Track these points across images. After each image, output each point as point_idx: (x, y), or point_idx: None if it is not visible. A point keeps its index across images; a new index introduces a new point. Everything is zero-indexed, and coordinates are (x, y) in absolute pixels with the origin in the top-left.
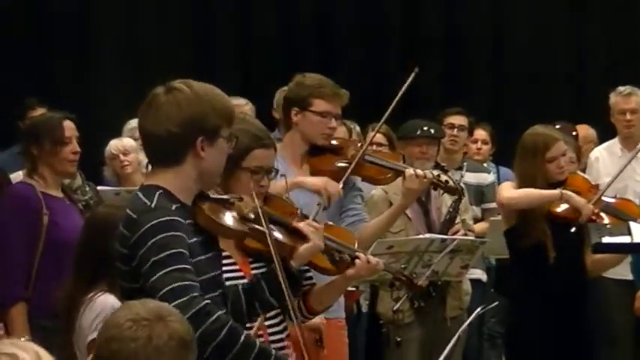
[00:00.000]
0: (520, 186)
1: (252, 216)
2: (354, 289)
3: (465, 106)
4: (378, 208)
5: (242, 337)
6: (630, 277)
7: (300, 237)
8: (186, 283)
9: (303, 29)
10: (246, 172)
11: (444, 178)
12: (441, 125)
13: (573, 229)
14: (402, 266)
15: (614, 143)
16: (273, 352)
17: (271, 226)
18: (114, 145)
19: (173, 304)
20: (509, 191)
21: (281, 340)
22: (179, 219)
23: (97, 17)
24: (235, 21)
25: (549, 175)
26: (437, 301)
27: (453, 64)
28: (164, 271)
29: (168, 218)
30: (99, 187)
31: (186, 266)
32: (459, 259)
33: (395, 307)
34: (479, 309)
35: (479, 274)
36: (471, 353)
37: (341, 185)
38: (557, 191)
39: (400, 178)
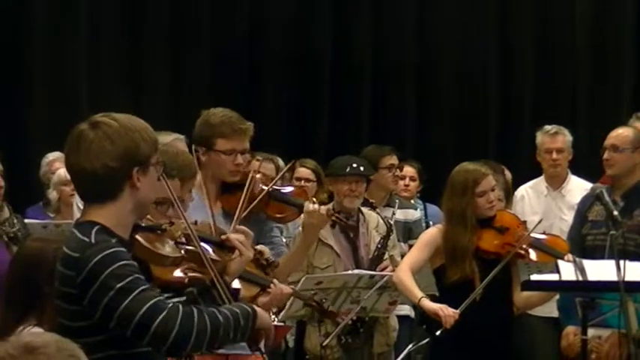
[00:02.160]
0: (448, 223)
1: (184, 239)
2: (282, 324)
3: (392, 142)
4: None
5: (220, 316)
6: (555, 314)
7: (229, 250)
8: (156, 299)
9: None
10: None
11: (343, 215)
12: (376, 164)
13: (439, 333)
14: (312, 292)
15: (540, 182)
16: (238, 310)
17: (202, 244)
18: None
19: (156, 322)
20: (399, 272)
21: None
22: (122, 249)
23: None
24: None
25: (479, 211)
26: (364, 337)
27: (380, 99)
28: (132, 296)
29: (112, 250)
30: (26, 220)
31: (147, 286)
32: (387, 295)
33: (324, 343)
34: (410, 345)
35: (407, 310)
36: None
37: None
38: (418, 296)
39: None
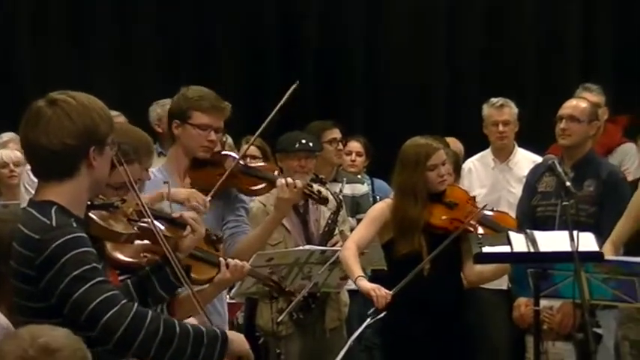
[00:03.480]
0: (399, 197)
1: (137, 216)
2: (233, 301)
3: (339, 118)
4: (257, 221)
5: (177, 326)
6: (505, 286)
7: (182, 227)
8: (113, 292)
9: (183, 39)
10: (108, 188)
11: (315, 188)
12: (319, 139)
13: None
14: (269, 271)
15: (486, 154)
16: (203, 328)
17: (155, 221)
18: (6, 154)
19: (107, 315)
20: (346, 248)
21: None
22: (83, 234)
23: None
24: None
25: (430, 185)
26: (316, 312)
27: (328, 75)
28: (87, 286)
29: (73, 235)
30: None
31: (105, 279)
32: (338, 270)
33: (279, 319)
34: (368, 319)
35: None
36: None
37: (209, 197)
38: (355, 274)
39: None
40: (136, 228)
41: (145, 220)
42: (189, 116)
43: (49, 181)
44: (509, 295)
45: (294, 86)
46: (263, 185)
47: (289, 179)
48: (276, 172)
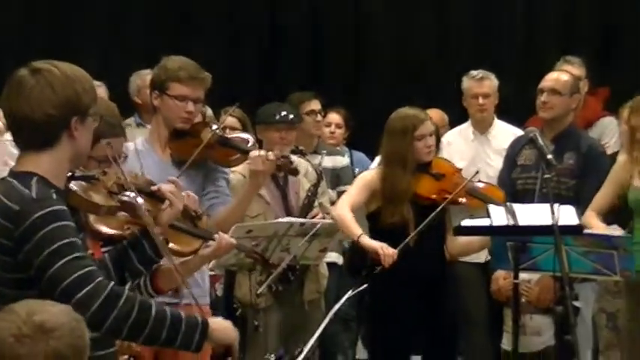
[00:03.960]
0: (387, 165)
1: (117, 188)
2: (212, 273)
3: (318, 89)
4: (237, 192)
5: (153, 311)
6: (482, 260)
7: (160, 201)
8: (88, 269)
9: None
10: (92, 160)
11: (287, 159)
12: (298, 111)
13: (376, 271)
14: (254, 243)
15: (466, 127)
16: (183, 314)
17: (134, 194)
18: None
19: (81, 293)
20: (339, 209)
21: None
22: (63, 207)
23: None
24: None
25: (417, 155)
26: (295, 285)
27: (309, 46)
28: (63, 261)
29: (53, 208)
30: None
31: (82, 254)
32: (317, 242)
33: (259, 291)
34: (350, 292)
35: (334, 257)
36: (326, 337)
37: (184, 167)
38: (357, 233)
39: None
40: (116, 200)
41: (126, 193)
42: (167, 87)
43: (29, 151)
44: (486, 268)
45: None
46: (237, 156)
47: (262, 151)
48: (250, 144)
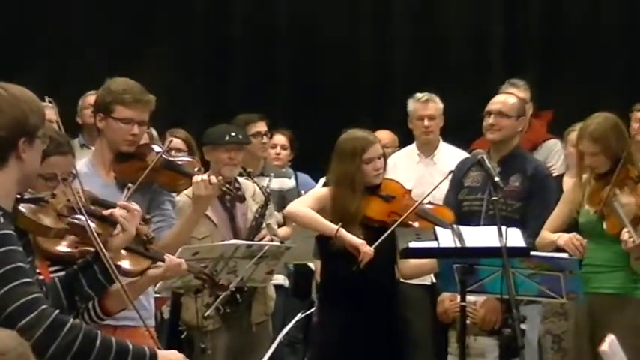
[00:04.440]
0: (337, 189)
1: (66, 211)
2: (159, 295)
3: (263, 111)
4: (184, 214)
5: (98, 340)
6: (428, 281)
7: (112, 225)
8: (33, 296)
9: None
10: (40, 178)
11: (233, 185)
12: (245, 132)
13: (355, 269)
14: (203, 265)
15: (412, 149)
16: (130, 345)
17: (85, 217)
18: None
19: (24, 320)
20: (296, 206)
21: None
22: (11, 231)
23: None
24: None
25: (366, 178)
26: (243, 306)
27: (254, 67)
28: (8, 287)
29: (2, 232)
30: None
31: (29, 280)
32: (264, 264)
33: (206, 313)
34: (299, 314)
35: (281, 279)
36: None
37: (126, 192)
38: (334, 228)
39: None
40: (65, 223)
41: (76, 216)
42: (112, 110)
43: None
44: (432, 290)
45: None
46: (183, 181)
47: (204, 176)
48: (196, 169)
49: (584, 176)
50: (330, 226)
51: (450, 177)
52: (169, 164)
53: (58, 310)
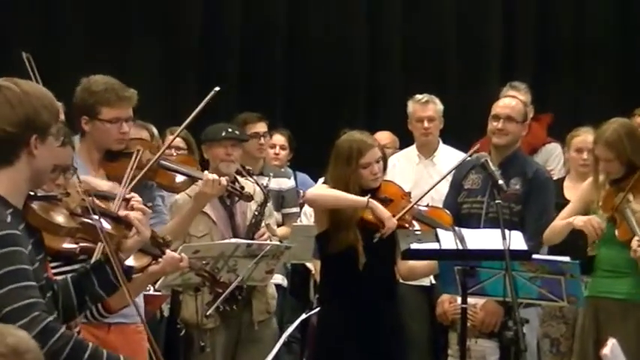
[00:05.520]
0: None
1: (80, 210)
2: (159, 293)
3: (261, 110)
4: (181, 212)
5: (88, 352)
6: (426, 283)
7: (126, 226)
8: (30, 301)
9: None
10: None
11: (238, 185)
12: (244, 130)
13: (375, 239)
14: (204, 262)
15: (411, 150)
16: (122, 357)
17: (98, 217)
18: None
19: (16, 324)
20: (319, 188)
21: None
22: (16, 231)
23: None
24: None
25: (363, 182)
26: (242, 304)
27: (249, 67)
28: (6, 289)
29: (5, 232)
30: None
31: (29, 283)
32: (264, 263)
33: (208, 312)
34: (304, 314)
35: (279, 279)
36: None
37: (127, 190)
38: (364, 199)
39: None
40: (77, 222)
41: (89, 216)
42: (97, 112)
43: None
44: (430, 291)
45: (214, 91)
46: (183, 180)
47: (215, 175)
48: (195, 167)
49: (601, 177)
50: (359, 198)
51: (448, 177)
52: (166, 164)
53: (52, 318)
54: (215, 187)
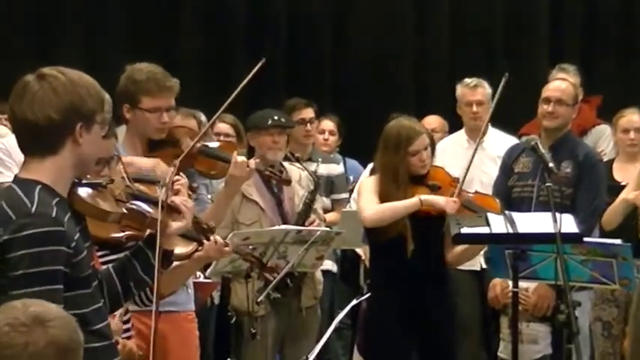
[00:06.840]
0: (382, 178)
1: (124, 197)
2: (209, 280)
3: (309, 96)
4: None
5: None
6: (477, 267)
7: (170, 213)
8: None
9: (149, 15)
10: None
11: (277, 169)
12: (291, 117)
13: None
14: (250, 247)
15: (460, 135)
16: None
17: (143, 204)
18: None
19: None
20: (370, 210)
21: (127, 330)
22: (60, 228)
23: None
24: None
25: (411, 169)
26: (293, 291)
27: (297, 52)
28: (31, 290)
29: (48, 229)
30: None
31: (55, 287)
32: (314, 249)
33: (259, 299)
34: (354, 300)
35: (329, 265)
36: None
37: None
38: (416, 200)
39: None
40: (124, 209)
41: (135, 202)
42: (138, 100)
43: (34, 158)
44: (481, 276)
45: (260, 63)
46: (220, 167)
47: (243, 158)
48: (235, 153)
49: None
50: (412, 201)
51: (498, 161)
52: (206, 150)
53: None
54: (243, 169)
